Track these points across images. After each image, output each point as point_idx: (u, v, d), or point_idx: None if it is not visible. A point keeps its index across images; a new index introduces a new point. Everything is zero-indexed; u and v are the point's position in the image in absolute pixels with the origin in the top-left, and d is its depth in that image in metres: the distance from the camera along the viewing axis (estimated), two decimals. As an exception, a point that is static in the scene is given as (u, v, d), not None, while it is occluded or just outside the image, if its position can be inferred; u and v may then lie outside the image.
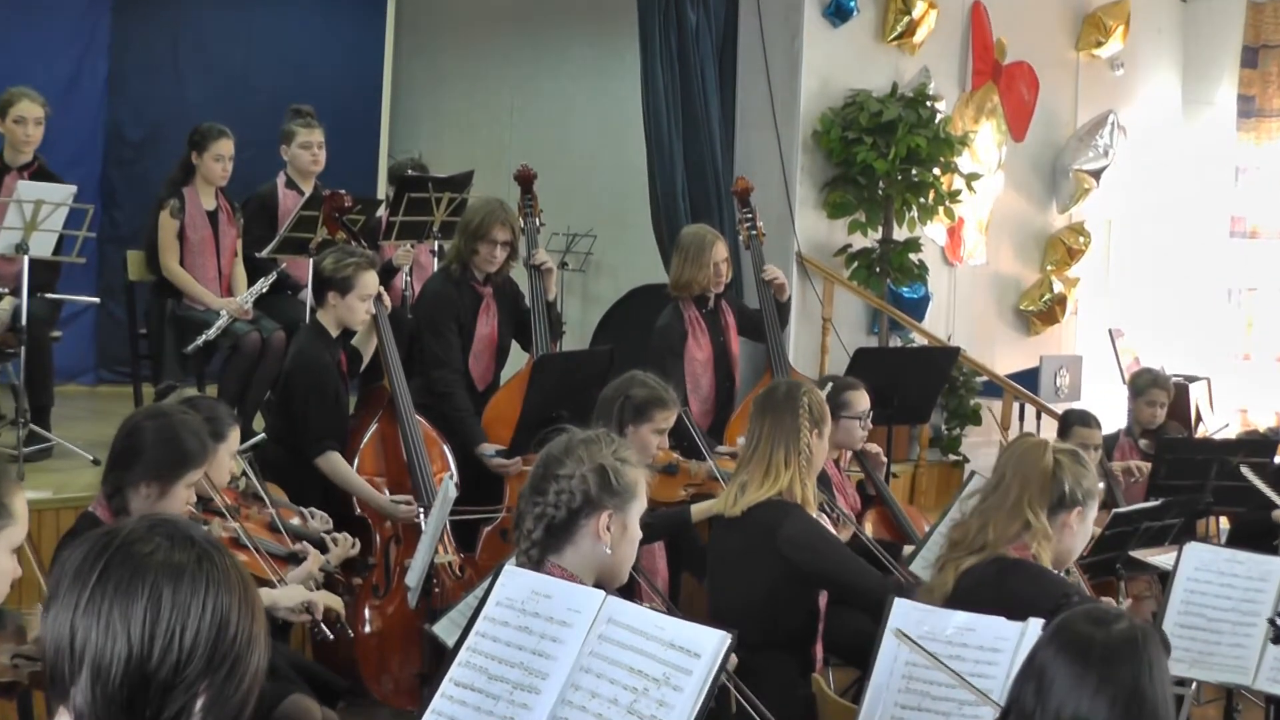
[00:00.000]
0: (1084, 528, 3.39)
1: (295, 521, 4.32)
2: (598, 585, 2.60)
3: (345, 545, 4.27)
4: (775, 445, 3.95)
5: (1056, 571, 3.36)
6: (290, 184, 6.39)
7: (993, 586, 3.22)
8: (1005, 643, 2.88)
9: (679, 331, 5.89)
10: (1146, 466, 6.24)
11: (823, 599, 3.99)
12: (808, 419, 3.97)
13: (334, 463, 4.89)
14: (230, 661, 1.54)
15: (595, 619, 2.39)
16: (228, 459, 3.90)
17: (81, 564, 1.55)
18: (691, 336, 5.90)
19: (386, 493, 5.02)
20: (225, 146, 6.07)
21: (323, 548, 4.19)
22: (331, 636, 3.83)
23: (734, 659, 2.54)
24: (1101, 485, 6.27)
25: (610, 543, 2.68)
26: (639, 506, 2.75)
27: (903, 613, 2.98)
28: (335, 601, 3.83)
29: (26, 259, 5.39)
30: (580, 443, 2.73)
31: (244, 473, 4.22)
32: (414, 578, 4.17)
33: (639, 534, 2.77)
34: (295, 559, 4.00)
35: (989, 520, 3.32)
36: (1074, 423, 6.02)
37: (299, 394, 4.92)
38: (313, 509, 4.45)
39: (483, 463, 5.33)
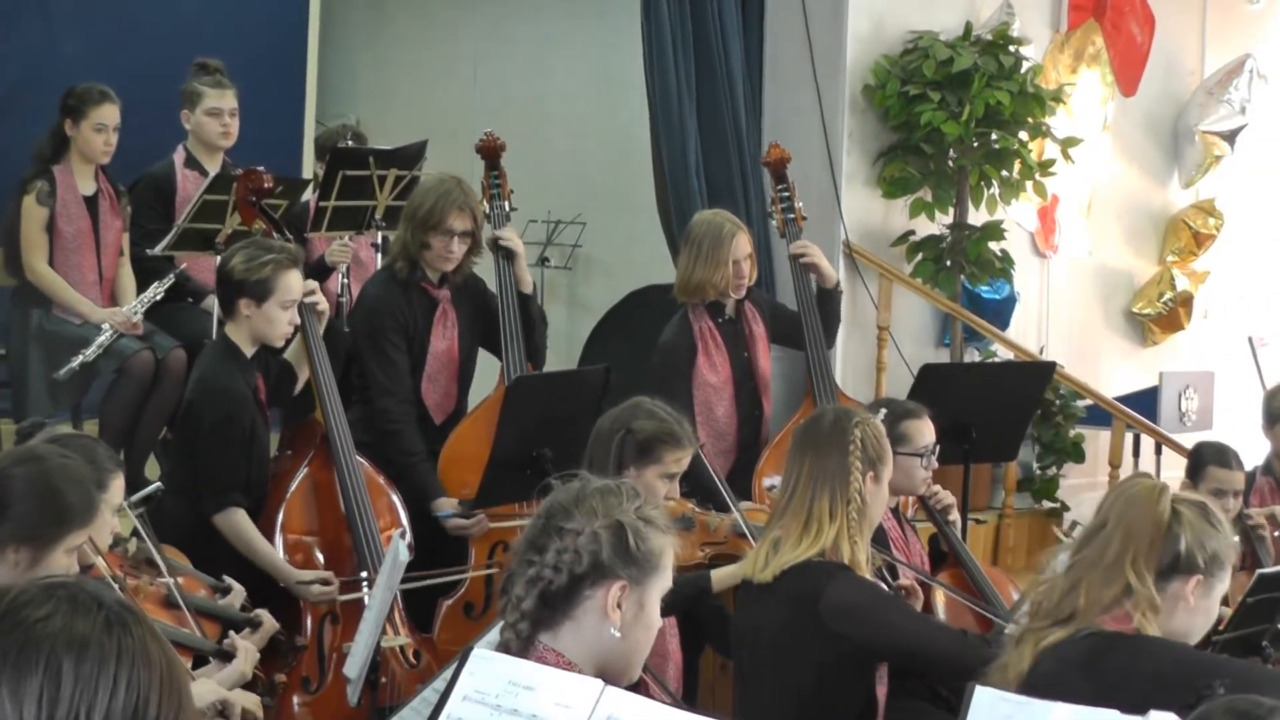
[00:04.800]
0: (1206, 604, 3.33)
1: (201, 594, 4.33)
2: (600, 679, 2.61)
3: (266, 628, 4.28)
4: (817, 491, 3.96)
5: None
6: (191, 161, 6.41)
7: (1080, 672, 3.20)
8: (1120, 743, 2.89)
9: (686, 347, 5.92)
10: (1295, 514, 6.24)
11: (881, 688, 4.01)
12: (860, 458, 3.98)
13: (235, 523, 4.90)
14: None
15: (591, 718, 2.41)
16: (110, 515, 3.92)
17: None
18: (703, 353, 5.92)
19: (319, 556, 5.04)
20: (108, 113, 6.09)
21: (238, 628, 4.20)
22: None
23: None
24: (1237, 539, 6.31)
25: (620, 624, 2.67)
26: (661, 584, 2.74)
27: (987, 704, 2.99)
28: (252, 702, 3.82)
29: None
30: (595, 492, 2.73)
31: (135, 532, 4.23)
32: (355, 667, 4.18)
33: (659, 620, 2.77)
34: (222, 656, 4.00)
35: (1081, 579, 3.31)
36: (1207, 461, 5.99)
37: (202, 431, 4.95)
38: (225, 579, 4.47)
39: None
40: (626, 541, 2.68)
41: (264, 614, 4.33)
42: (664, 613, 3.89)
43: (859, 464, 3.97)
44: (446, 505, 5.40)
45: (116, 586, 3.90)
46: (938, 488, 5.22)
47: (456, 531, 5.38)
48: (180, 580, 4.24)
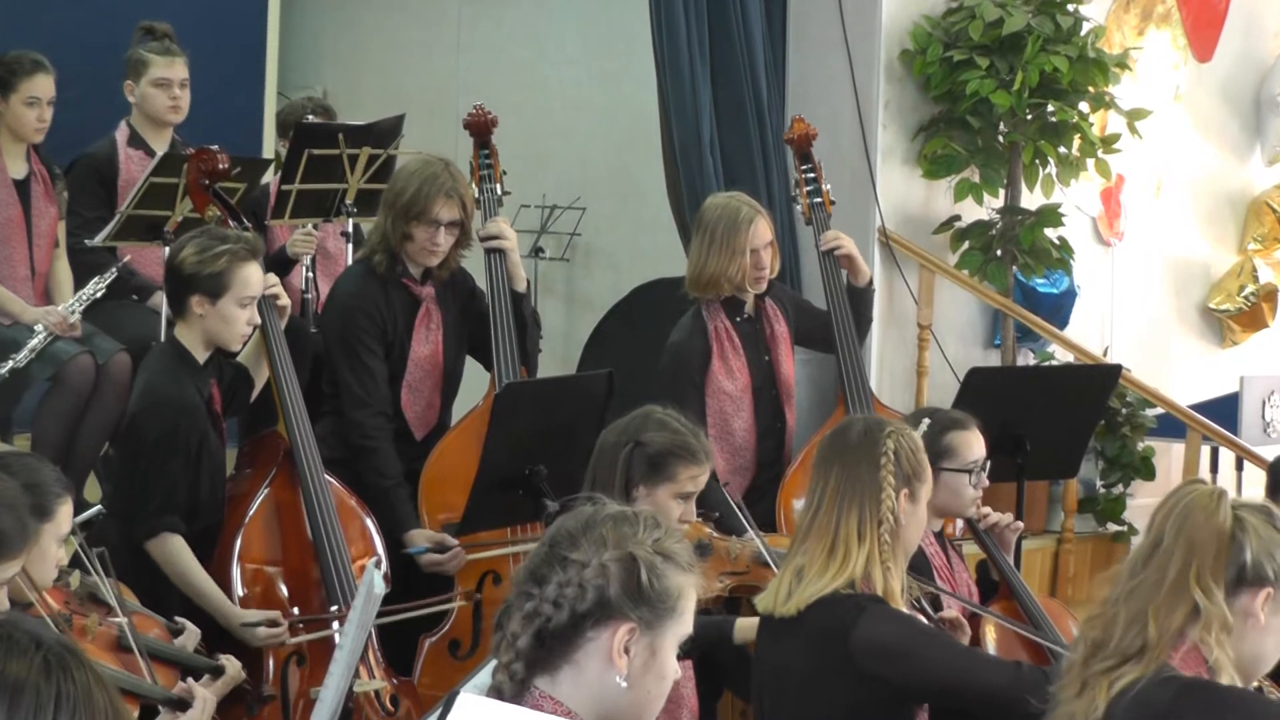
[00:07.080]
0: (1278, 622, 3.35)
1: (155, 634, 4.34)
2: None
3: (231, 675, 4.29)
4: (844, 510, 3.96)
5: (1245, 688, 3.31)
6: (136, 139, 6.42)
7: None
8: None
9: (699, 350, 5.93)
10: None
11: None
12: (893, 473, 3.99)
13: (170, 551, 4.87)
14: None
15: (592, 772, 2.42)
16: (54, 545, 3.92)
17: None
18: (718, 356, 5.93)
19: (283, 589, 5.05)
20: (42, 85, 6.10)
21: (198, 674, 4.21)
22: None
23: None
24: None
25: (627, 672, 2.63)
26: (678, 630, 2.69)
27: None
28: None
29: None
30: (608, 519, 2.68)
31: (75, 562, 4.23)
32: (324, 714, 4.19)
33: (674, 670, 2.71)
34: (175, 705, 4.01)
35: (1146, 607, 3.30)
36: (1290, 474, 6.03)
37: (145, 446, 4.95)
38: (178, 620, 4.48)
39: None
40: (638, 578, 2.63)
41: (230, 660, 4.34)
42: (678, 657, 3.90)
43: (892, 479, 3.98)
44: (420, 539, 5.40)
45: (58, 626, 3.91)
46: (988, 510, 5.21)
47: (431, 569, 5.39)
48: (133, 620, 4.24)
